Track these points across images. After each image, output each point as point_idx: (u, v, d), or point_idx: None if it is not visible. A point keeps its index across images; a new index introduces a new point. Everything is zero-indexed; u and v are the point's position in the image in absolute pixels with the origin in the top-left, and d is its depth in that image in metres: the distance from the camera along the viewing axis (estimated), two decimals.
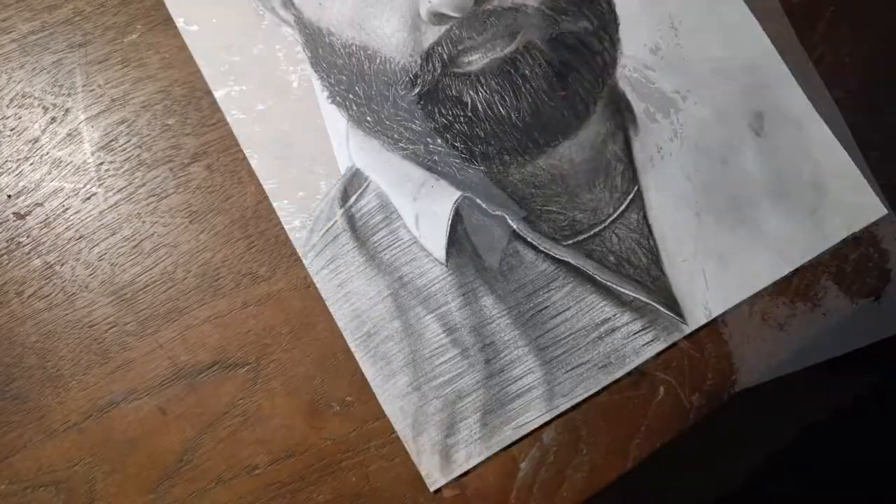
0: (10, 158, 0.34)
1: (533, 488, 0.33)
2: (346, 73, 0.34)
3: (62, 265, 0.33)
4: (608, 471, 0.33)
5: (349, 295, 0.34)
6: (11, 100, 0.34)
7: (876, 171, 0.36)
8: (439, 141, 0.35)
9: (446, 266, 0.34)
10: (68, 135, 0.34)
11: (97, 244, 0.33)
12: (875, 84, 0.37)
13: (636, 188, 0.35)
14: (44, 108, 0.34)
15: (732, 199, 0.36)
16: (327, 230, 0.33)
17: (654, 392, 0.34)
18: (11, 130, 0.34)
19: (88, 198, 0.34)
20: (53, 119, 0.34)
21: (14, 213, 0.33)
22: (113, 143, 0.34)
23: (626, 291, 0.34)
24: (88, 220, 0.33)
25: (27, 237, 0.33)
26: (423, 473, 0.33)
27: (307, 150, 0.35)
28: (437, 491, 0.32)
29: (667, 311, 0.34)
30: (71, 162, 0.34)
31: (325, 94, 0.36)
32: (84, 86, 0.34)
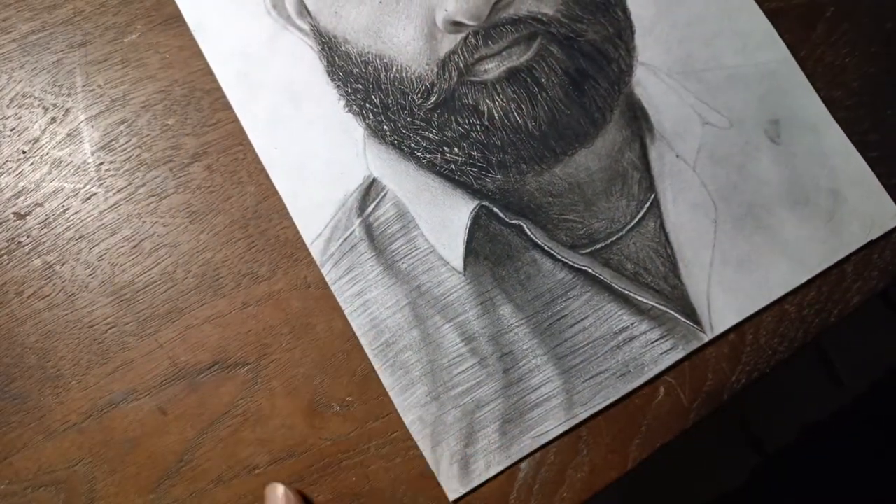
0: (10, 158, 0.34)
1: (533, 488, 0.33)
2: (363, 81, 0.38)
3: (62, 265, 0.33)
4: (608, 471, 0.33)
5: (367, 304, 0.37)
6: (11, 100, 0.34)
7: (876, 172, 0.36)
8: (456, 150, 0.39)
9: (464, 275, 0.38)
10: (68, 135, 0.34)
11: (97, 244, 0.33)
12: (875, 84, 0.37)
13: (653, 196, 0.39)
14: (44, 108, 0.34)
15: (749, 206, 0.39)
16: (345, 239, 0.35)
17: (654, 392, 0.34)
18: (11, 130, 0.34)
19: (88, 198, 0.34)
20: (53, 119, 0.34)
21: (14, 213, 0.34)
22: (113, 143, 0.34)
23: (644, 300, 0.38)
24: (88, 220, 0.34)
25: (27, 237, 0.33)
26: (442, 483, 0.37)
27: (324, 160, 0.39)
28: (457, 501, 0.36)
29: (685, 320, 0.38)
30: (71, 162, 0.34)
31: (342, 103, 0.39)
32: (84, 86, 0.35)
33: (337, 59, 0.38)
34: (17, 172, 0.37)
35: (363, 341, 0.37)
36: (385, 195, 0.38)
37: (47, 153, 0.37)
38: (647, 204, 0.38)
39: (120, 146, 0.38)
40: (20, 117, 0.38)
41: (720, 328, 0.37)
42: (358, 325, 0.37)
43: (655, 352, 0.37)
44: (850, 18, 0.41)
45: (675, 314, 0.37)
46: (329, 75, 0.39)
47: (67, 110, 0.38)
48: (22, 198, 0.37)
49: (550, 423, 0.37)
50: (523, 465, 0.37)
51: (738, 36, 0.40)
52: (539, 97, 0.38)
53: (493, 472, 0.36)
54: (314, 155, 0.38)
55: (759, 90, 0.40)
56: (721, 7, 0.40)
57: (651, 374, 0.37)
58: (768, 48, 0.40)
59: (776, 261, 0.38)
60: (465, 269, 0.37)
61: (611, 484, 0.37)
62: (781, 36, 0.40)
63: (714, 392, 0.38)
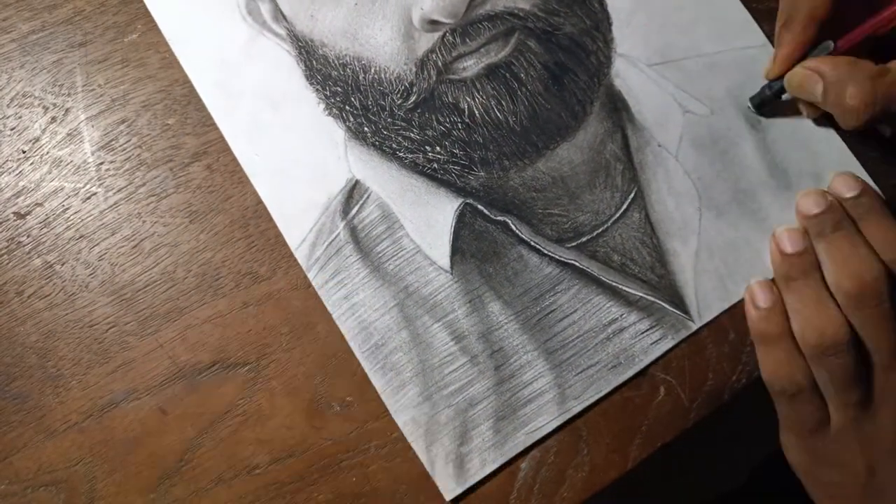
0: (10, 158, 0.34)
1: (533, 488, 0.33)
2: (342, 84, 0.37)
3: (62, 265, 0.33)
4: (608, 471, 0.33)
5: (355, 307, 0.37)
6: (12, 99, 0.34)
7: (875, 172, 0.36)
8: (438, 149, 0.38)
9: (451, 274, 0.38)
10: (68, 134, 0.34)
11: (97, 244, 0.34)
12: None
13: (636, 187, 0.39)
14: (44, 107, 0.34)
15: (733, 193, 0.39)
16: (330, 243, 0.35)
17: (655, 392, 0.34)
18: (11, 130, 0.34)
19: (88, 197, 0.34)
20: (53, 119, 0.34)
21: (14, 213, 0.34)
22: (113, 142, 0.34)
23: (632, 291, 0.38)
24: (88, 219, 0.34)
25: (27, 237, 0.33)
26: (438, 483, 0.37)
27: (306, 164, 0.39)
28: (455, 500, 0.36)
29: (673, 309, 0.38)
30: (71, 162, 0.34)
31: (322, 106, 0.39)
32: (84, 85, 0.35)
33: (314, 62, 0.38)
34: (17, 172, 0.37)
35: (352, 344, 0.37)
36: (369, 197, 0.38)
37: (47, 153, 0.37)
38: (632, 195, 0.38)
39: (120, 146, 0.38)
40: (20, 117, 0.38)
41: (707, 316, 0.38)
42: (347, 328, 0.37)
43: (645, 342, 0.37)
44: None
45: (663, 304, 0.37)
46: (307, 79, 0.38)
47: (67, 110, 0.38)
48: (22, 197, 0.37)
49: (544, 419, 0.36)
50: (523, 464, 0.37)
51: (716, 23, 0.40)
52: (519, 92, 0.38)
53: (488, 470, 0.36)
54: (296, 160, 0.38)
55: (739, 76, 0.40)
56: None
57: (642, 364, 0.37)
58: (746, 34, 0.40)
59: (761, 246, 0.38)
60: (451, 267, 0.37)
61: (611, 484, 0.37)
62: None
63: (714, 392, 0.38)
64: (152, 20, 0.39)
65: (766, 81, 0.39)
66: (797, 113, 0.39)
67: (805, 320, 0.34)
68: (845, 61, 0.34)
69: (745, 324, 0.38)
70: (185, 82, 0.38)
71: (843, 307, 0.34)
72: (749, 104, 0.39)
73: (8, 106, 0.38)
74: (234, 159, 0.38)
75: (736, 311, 0.38)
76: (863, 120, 0.34)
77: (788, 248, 0.35)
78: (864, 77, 0.33)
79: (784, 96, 0.38)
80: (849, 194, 0.35)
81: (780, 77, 0.37)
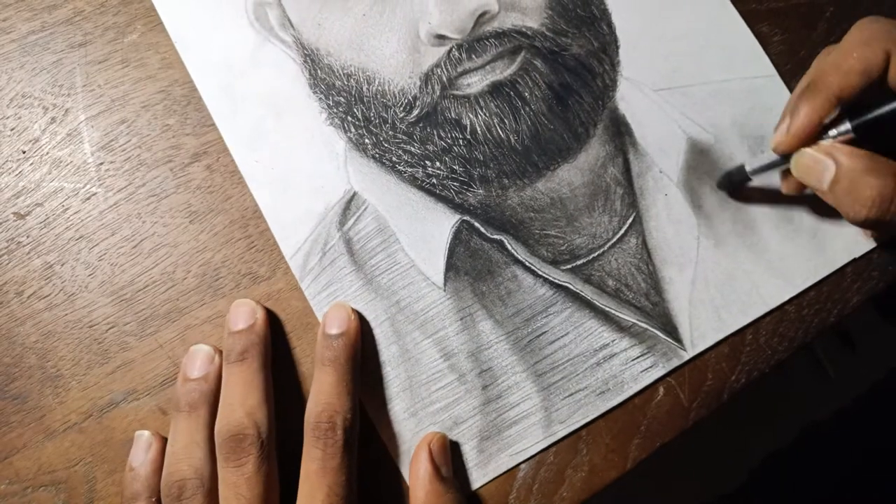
0: (10, 158, 0.34)
1: (532, 488, 0.33)
2: (345, 94, 0.38)
3: (62, 265, 0.33)
4: (608, 471, 0.33)
5: None
6: (11, 100, 0.34)
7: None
8: (438, 164, 0.38)
9: (444, 290, 0.38)
10: (68, 135, 0.34)
11: (97, 244, 0.34)
12: (874, 84, 0.37)
13: (635, 212, 0.38)
14: (44, 108, 0.34)
15: (733, 223, 0.38)
16: (325, 254, 0.35)
17: (654, 392, 0.34)
18: (11, 130, 0.34)
19: (88, 198, 0.34)
20: (53, 119, 0.34)
21: (14, 213, 0.34)
22: (113, 143, 0.34)
23: (625, 317, 0.37)
24: (88, 220, 0.34)
25: (27, 237, 0.33)
26: None
27: (305, 173, 0.39)
28: None
29: (665, 337, 0.37)
30: (71, 162, 0.34)
31: (324, 115, 0.38)
32: (84, 86, 0.35)
33: (319, 71, 0.38)
34: (17, 172, 0.37)
35: None
36: (366, 209, 0.38)
37: (47, 153, 0.38)
38: (630, 220, 0.38)
39: (120, 146, 0.38)
40: (20, 117, 0.38)
41: (701, 346, 0.37)
42: None
43: (635, 369, 0.37)
44: (850, 18, 0.41)
45: (656, 331, 0.37)
46: (311, 88, 0.38)
47: (67, 110, 0.38)
48: (22, 198, 0.37)
49: (528, 441, 0.36)
50: (523, 465, 0.37)
51: (724, 51, 0.39)
52: (522, 111, 0.37)
53: (469, 490, 0.36)
54: (295, 168, 0.38)
55: (744, 106, 0.39)
56: (706, 22, 0.39)
57: (630, 391, 0.37)
58: (754, 63, 0.39)
59: (759, 278, 0.38)
60: (445, 284, 0.37)
61: (610, 484, 0.37)
62: (781, 36, 0.40)
63: (714, 392, 0.38)
64: (152, 21, 0.39)
65: (771, 153, 0.35)
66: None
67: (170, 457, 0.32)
68: (863, 153, 0.32)
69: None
70: (185, 83, 0.38)
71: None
72: (719, 187, 0.38)
73: (8, 106, 0.38)
74: (234, 160, 0.38)
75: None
76: (874, 214, 0.31)
77: (193, 373, 0.34)
78: (887, 172, 0.31)
79: (751, 182, 0.36)
80: (332, 331, 0.34)
81: (787, 154, 0.34)
